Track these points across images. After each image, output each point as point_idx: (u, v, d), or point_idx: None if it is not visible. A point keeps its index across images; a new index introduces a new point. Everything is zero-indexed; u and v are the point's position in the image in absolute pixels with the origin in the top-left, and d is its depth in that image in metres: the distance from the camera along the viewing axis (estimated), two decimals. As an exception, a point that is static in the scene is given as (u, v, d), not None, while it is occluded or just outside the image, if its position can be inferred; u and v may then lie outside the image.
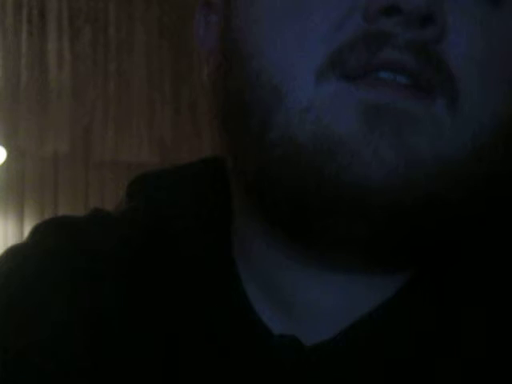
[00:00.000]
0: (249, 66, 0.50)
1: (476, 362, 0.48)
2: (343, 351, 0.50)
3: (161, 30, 3.30)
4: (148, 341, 0.53)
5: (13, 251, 0.58)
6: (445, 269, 0.51)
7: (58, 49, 3.16)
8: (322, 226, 0.49)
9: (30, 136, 3.09)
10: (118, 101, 3.23)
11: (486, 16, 0.49)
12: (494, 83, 0.49)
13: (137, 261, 0.56)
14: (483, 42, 0.48)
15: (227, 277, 0.54)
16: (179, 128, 3.30)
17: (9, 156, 2.99)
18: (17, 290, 0.55)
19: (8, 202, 3.08)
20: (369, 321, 0.51)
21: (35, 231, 0.59)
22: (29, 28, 3.14)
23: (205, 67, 0.56)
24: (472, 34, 0.48)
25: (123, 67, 3.25)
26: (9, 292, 0.55)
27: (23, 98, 3.09)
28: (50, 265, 0.56)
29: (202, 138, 3.23)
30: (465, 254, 0.51)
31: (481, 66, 0.48)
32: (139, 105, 3.26)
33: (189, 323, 0.53)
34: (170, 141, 3.29)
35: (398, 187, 0.46)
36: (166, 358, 0.53)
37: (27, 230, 2.91)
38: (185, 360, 0.52)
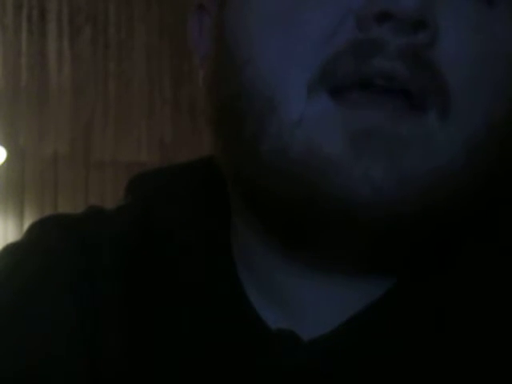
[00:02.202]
0: (243, 75, 0.49)
1: (467, 360, 0.48)
2: (340, 345, 0.50)
3: (161, 30, 3.29)
4: (146, 340, 0.53)
5: (10, 249, 0.58)
6: (440, 269, 0.51)
7: (57, 49, 3.15)
8: (315, 237, 0.49)
9: (30, 136, 3.08)
10: (118, 101, 3.22)
11: (479, 17, 0.48)
12: (487, 85, 0.48)
13: (135, 260, 0.56)
14: (476, 45, 0.48)
15: (225, 275, 0.55)
16: (179, 128, 3.29)
17: (9, 156, 2.99)
18: (17, 288, 0.55)
19: (8, 202, 3.07)
20: (365, 316, 0.51)
21: (32, 229, 0.59)
22: (29, 28, 3.13)
23: (200, 71, 0.56)
24: (464, 37, 0.48)
25: (123, 67, 3.24)
26: (9, 291, 0.55)
27: (23, 98, 3.08)
28: (50, 264, 0.56)
29: (202, 137, 3.22)
30: (459, 255, 0.51)
31: (473, 68, 0.48)
32: (139, 105, 3.25)
33: (187, 322, 0.53)
34: (170, 141, 3.28)
35: (392, 204, 0.46)
36: (165, 356, 0.53)
37: (27, 229, 2.89)
38: (184, 358, 0.53)
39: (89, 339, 0.53)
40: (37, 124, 3.09)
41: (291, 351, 0.51)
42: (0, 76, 3.05)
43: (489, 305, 0.49)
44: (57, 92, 3.13)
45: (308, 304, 0.52)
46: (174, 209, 0.58)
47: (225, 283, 0.54)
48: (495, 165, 0.49)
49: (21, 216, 3.10)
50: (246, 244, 0.54)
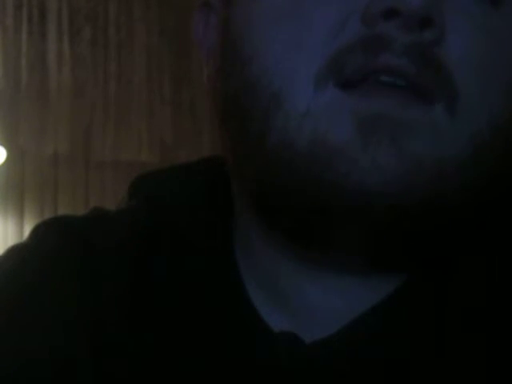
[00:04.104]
0: (248, 70, 0.49)
1: (473, 362, 0.48)
2: (342, 348, 0.50)
3: (161, 30, 3.30)
4: (148, 340, 0.53)
5: (14, 251, 0.58)
6: (443, 268, 0.51)
7: (58, 49, 3.16)
8: (321, 232, 0.49)
9: (30, 136, 3.08)
10: (118, 101, 3.23)
11: (485, 16, 0.49)
12: (493, 84, 0.49)
13: (138, 261, 0.56)
14: (482, 43, 0.48)
15: (228, 275, 0.55)
16: (179, 128, 3.29)
17: (9, 156, 2.99)
18: (19, 290, 0.55)
19: (8, 202, 3.08)
20: (368, 318, 0.51)
21: (36, 231, 0.59)
22: (29, 28, 3.13)
23: (204, 68, 0.56)
24: (471, 35, 0.48)
25: (123, 67, 3.25)
26: (11, 292, 0.55)
27: (23, 98, 3.09)
28: (53, 266, 0.56)
29: (202, 138, 3.23)
30: (463, 254, 0.51)
31: (480, 67, 0.48)
32: (139, 105, 3.25)
33: (189, 322, 0.53)
34: (170, 141, 3.28)
35: (398, 193, 0.46)
36: (166, 356, 0.53)
37: (27, 229, 2.90)
38: (185, 358, 0.52)
39: (90, 340, 0.53)
40: (37, 124, 3.10)
41: (291, 353, 0.51)
42: (0, 76, 3.06)
43: (496, 307, 0.49)
44: (57, 92, 3.14)
45: (312, 305, 0.52)
46: (176, 211, 0.58)
47: (227, 285, 0.54)
48: (500, 164, 0.50)
49: (21, 216, 3.10)
50: (249, 245, 0.54)
